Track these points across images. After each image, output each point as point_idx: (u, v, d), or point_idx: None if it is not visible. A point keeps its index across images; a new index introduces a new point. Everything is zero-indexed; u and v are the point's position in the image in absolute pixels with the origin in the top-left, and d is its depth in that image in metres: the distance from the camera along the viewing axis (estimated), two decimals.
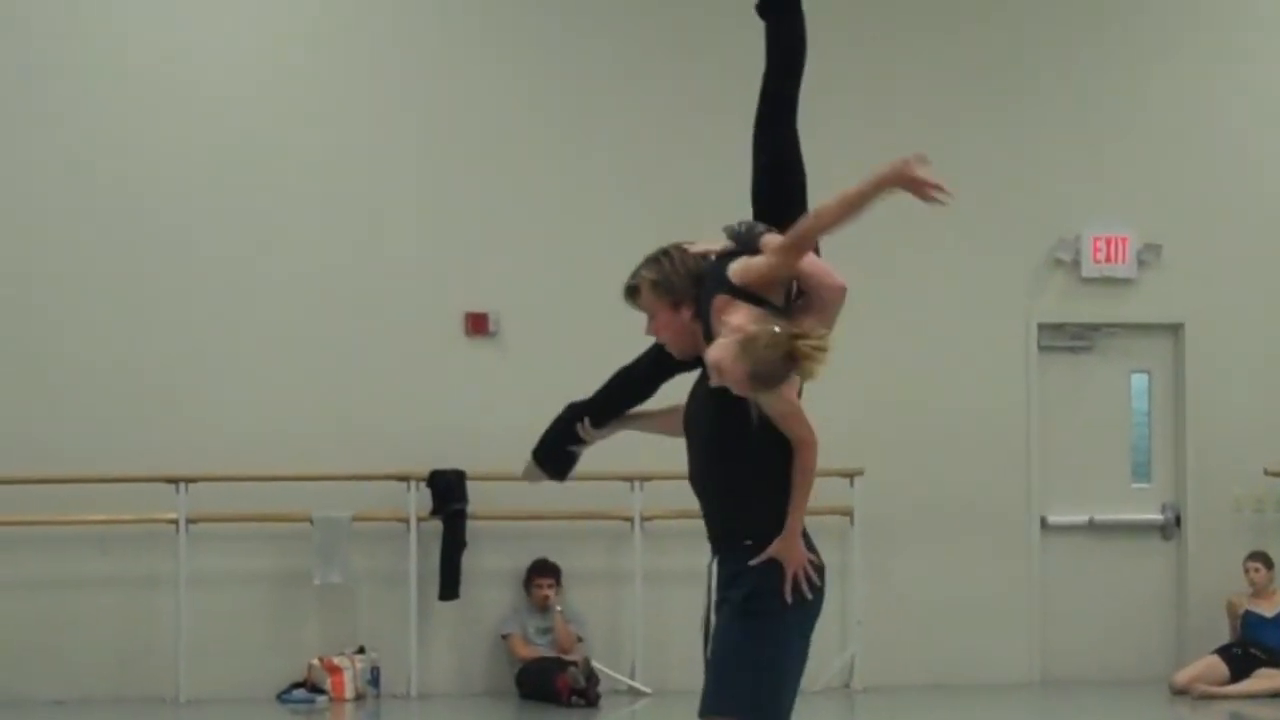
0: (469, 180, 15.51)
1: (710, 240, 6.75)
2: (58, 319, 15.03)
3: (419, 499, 15.06)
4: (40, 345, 15.00)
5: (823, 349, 6.15)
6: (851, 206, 6.58)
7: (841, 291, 6.49)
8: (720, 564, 6.48)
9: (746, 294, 6.40)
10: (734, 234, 6.64)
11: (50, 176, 15.12)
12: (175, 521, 14.75)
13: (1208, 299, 16.14)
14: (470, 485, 15.08)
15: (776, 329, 6.16)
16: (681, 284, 6.65)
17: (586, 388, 15.89)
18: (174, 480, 14.75)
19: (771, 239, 6.48)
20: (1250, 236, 16.22)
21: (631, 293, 6.78)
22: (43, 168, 15.11)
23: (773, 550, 6.32)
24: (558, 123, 15.64)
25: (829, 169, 16.10)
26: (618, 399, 7.05)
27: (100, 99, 15.23)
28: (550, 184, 15.59)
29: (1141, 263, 16.06)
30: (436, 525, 15.06)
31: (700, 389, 6.60)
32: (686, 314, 6.63)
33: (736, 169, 15.80)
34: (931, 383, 15.76)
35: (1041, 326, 16.06)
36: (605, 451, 15.12)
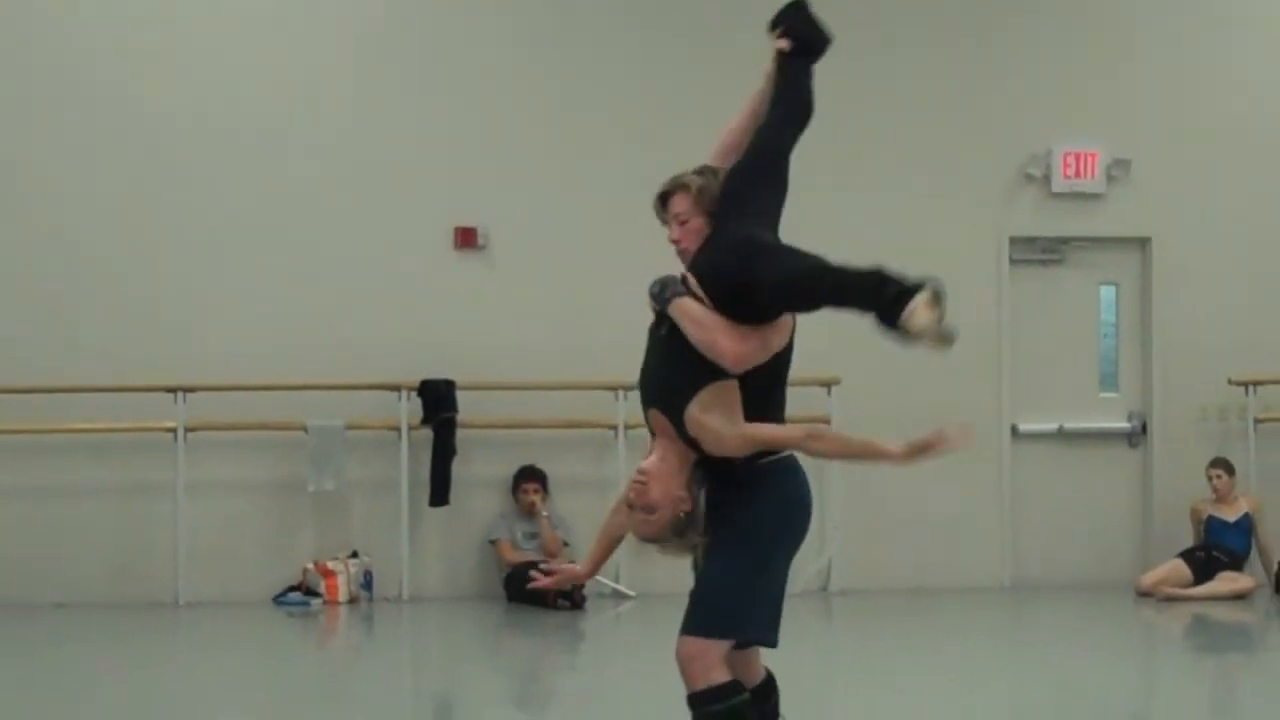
0: (459, 96, 15.51)
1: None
2: (58, 232, 15.04)
3: (410, 408, 15.13)
4: (41, 258, 15.02)
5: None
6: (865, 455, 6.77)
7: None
8: (707, 500, 6.52)
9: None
10: (652, 294, 6.51)
11: (52, 93, 15.11)
12: (174, 430, 14.83)
13: (1175, 213, 16.17)
14: (460, 395, 15.15)
15: (677, 516, 6.45)
16: (715, 200, 6.67)
17: (572, 299, 16.00)
18: (172, 390, 14.81)
19: (723, 356, 6.34)
20: (1217, 152, 16.22)
21: (669, 196, 6.73)
22: (45, 84, 15.09)
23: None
24: (546, 43, 15.64)
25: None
26: None
27: (110, 23, 15.21)
28: (538, 100, 15.59)
29: (1110, 178, 16.08)
30: (427, 434, 15.13)
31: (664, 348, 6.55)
32: (707, 229, 6.65)
33: (715, 89, 15.81)
34: None
35: (1013, 240, 16.09)
36: (589, 362, 15.25)
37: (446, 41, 15.51)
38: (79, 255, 15.04)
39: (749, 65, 16.27)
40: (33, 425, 14.78)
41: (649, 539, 6.58)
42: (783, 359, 6.53)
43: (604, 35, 15.71)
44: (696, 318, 6.35)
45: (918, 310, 6.16)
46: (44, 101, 15.09)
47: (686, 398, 6.34)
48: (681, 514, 6.46)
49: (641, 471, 6.51)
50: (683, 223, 6.66)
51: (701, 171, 6.74)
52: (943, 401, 15.76)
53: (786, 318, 6.49)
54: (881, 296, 6.22)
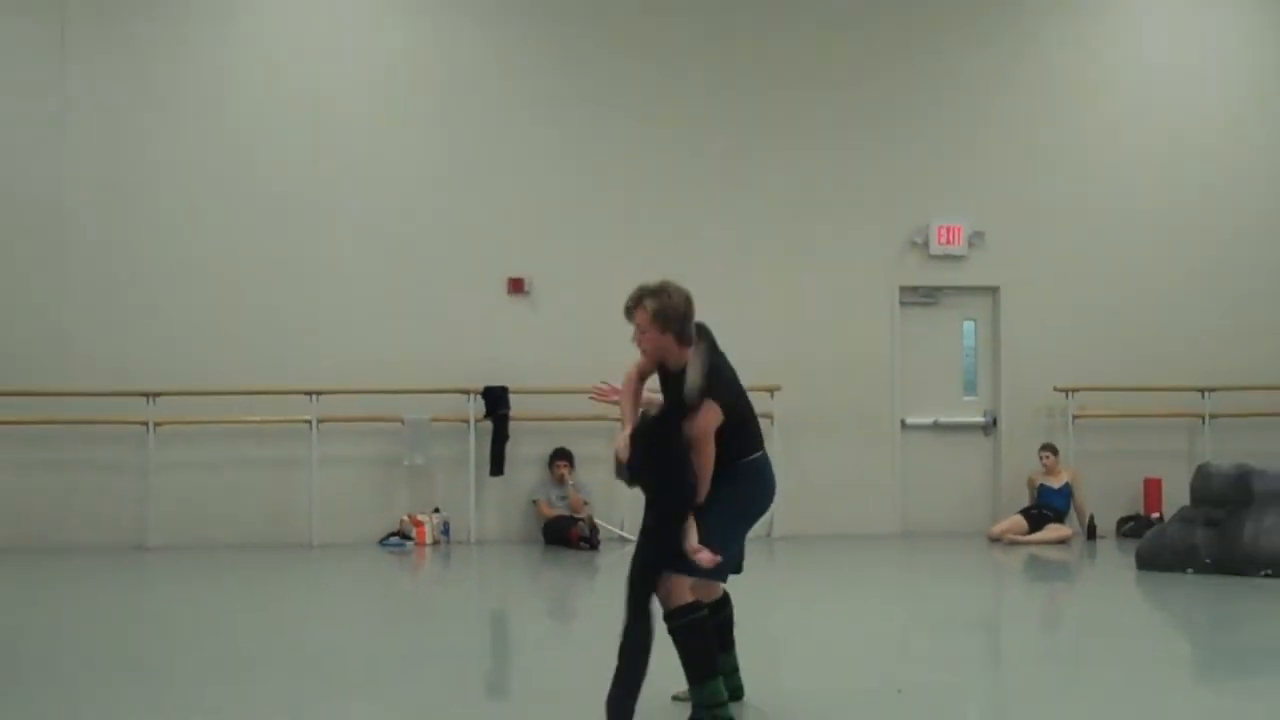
0: (512, 182, 15.49)
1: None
2: (226, 278, 15.08)
3: (476, 406, 15.11)
4: (219, 297, 15.07)
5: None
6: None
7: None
8: None
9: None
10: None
11: (218, 166, 15.13)
12: (309, 421, 14.84)
13: (1016, 270, 16.15)
14: (512, 397, 15.13)
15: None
16: (673, 316, 6.51)
17: (591, 329, 15.94)
18: (309, 392, 14.83)
19: None
20: (1047, 226, 16.20)
21: (631, 311, 6.57)
22: (212, 159, 15.13)
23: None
24: (576, 142, 15.62)
25: (735, 189, 16.00)
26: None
27: (257, 115, 15.23)
28: (571, 186, 15.59)
29: (971, 244, 16.07)
30: (488, 424, 15.12)
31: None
32: (669, 337, 6.54)
33: (699, 180, 15.90)
34: (827, 326, 15.83)
35: (901, 288, 16.05)
36: (604, 373, 15.26)
37: (502, 146, 15.51)
38: (242, 296, 15.07)
39: (726, 158, 16.37)
40: (209, 418, 14.84)
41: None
42: (732, 420, 6.47)
43: (619, 137, 15.68)
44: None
45: None
46: (210, 166, 15.10)
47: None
48: None
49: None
50: (642, 332, 6.58)
51: (657, 294, 6.54)
52: (852, 401, 15.85)
53: (710, 422, 6.40)
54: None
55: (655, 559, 6.41)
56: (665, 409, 6.51)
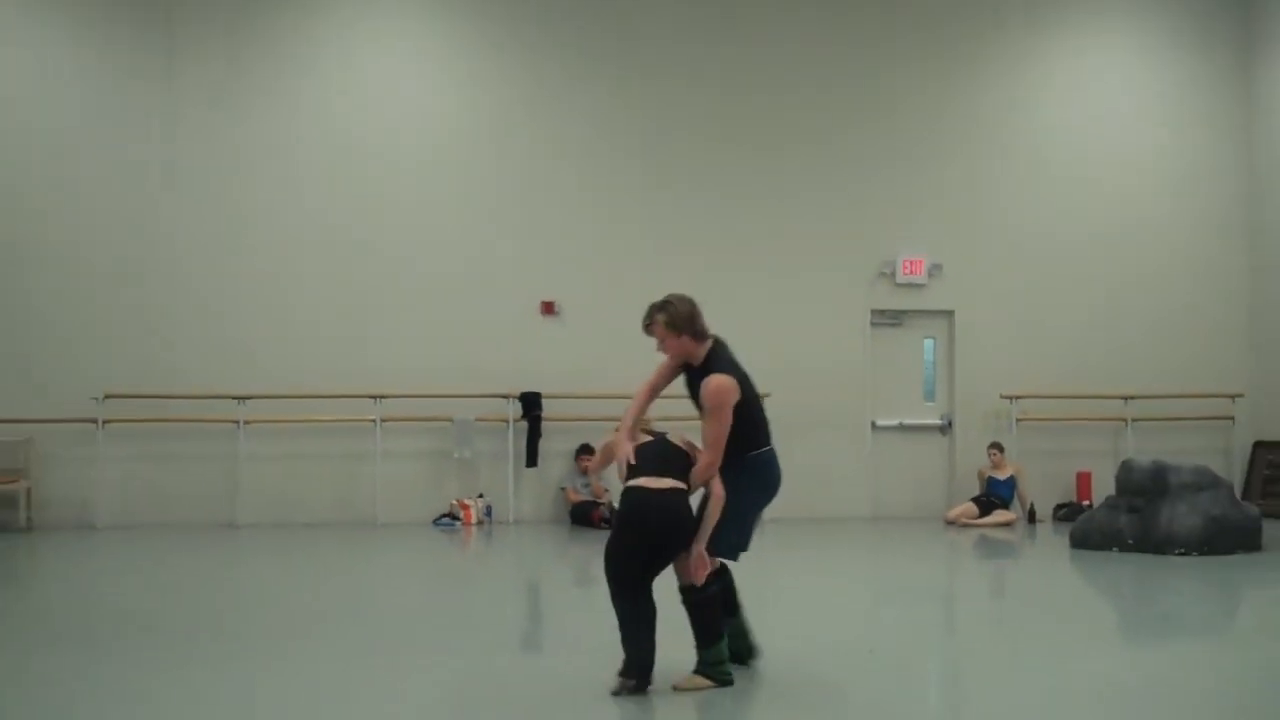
0: (545, 222, 15.51)
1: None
2: (312, 304, 15.07)
3: (514, 408, 15.12)
4: (299, 318, 15.05)
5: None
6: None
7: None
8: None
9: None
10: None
11: (299, 213, 15.12)
12: (374, 420, 14.84)
13: (968, 296, 16.18)
14: (544, 401, 15.14)
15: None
16: (682, 320, 6.48)
17: (612, 343, 15.90)
18: (374, 396, 14.84)
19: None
20: (994, 260, 16.25)
21: (649, 326, 6.53)
22: (293, 207, 15.12)
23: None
24: (599, 184, 15.64)
25: (734, 226, 15.92)
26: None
27: (329, 169, 15.22)
28: (595, 225, 15.58)
29: (930, 274, 16.09)
30: (524, 424, 15.12)
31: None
32: (685, 338, 6.51)
33: (707, 216, 15.82)
34: (810, 343, 15.83)
35: (872, 311, 16.05)
36: (621, 380, 15.10)
37: (537, 190, 15.54)
38: (319, 316, 15.06)
39: (726, 200, 16.27)
40: (290, 417, 14.83)
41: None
42: (743, 414, 6.41)
43: (636, 184, 15.75)
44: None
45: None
46: (295, 222, 15.09)
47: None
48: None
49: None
50: (663, 341, 6.56)
51: (664, 307, 6.53)
52: (832, 406, 15.83)
53: (730, 393, 6.34)
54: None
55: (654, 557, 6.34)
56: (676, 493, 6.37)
